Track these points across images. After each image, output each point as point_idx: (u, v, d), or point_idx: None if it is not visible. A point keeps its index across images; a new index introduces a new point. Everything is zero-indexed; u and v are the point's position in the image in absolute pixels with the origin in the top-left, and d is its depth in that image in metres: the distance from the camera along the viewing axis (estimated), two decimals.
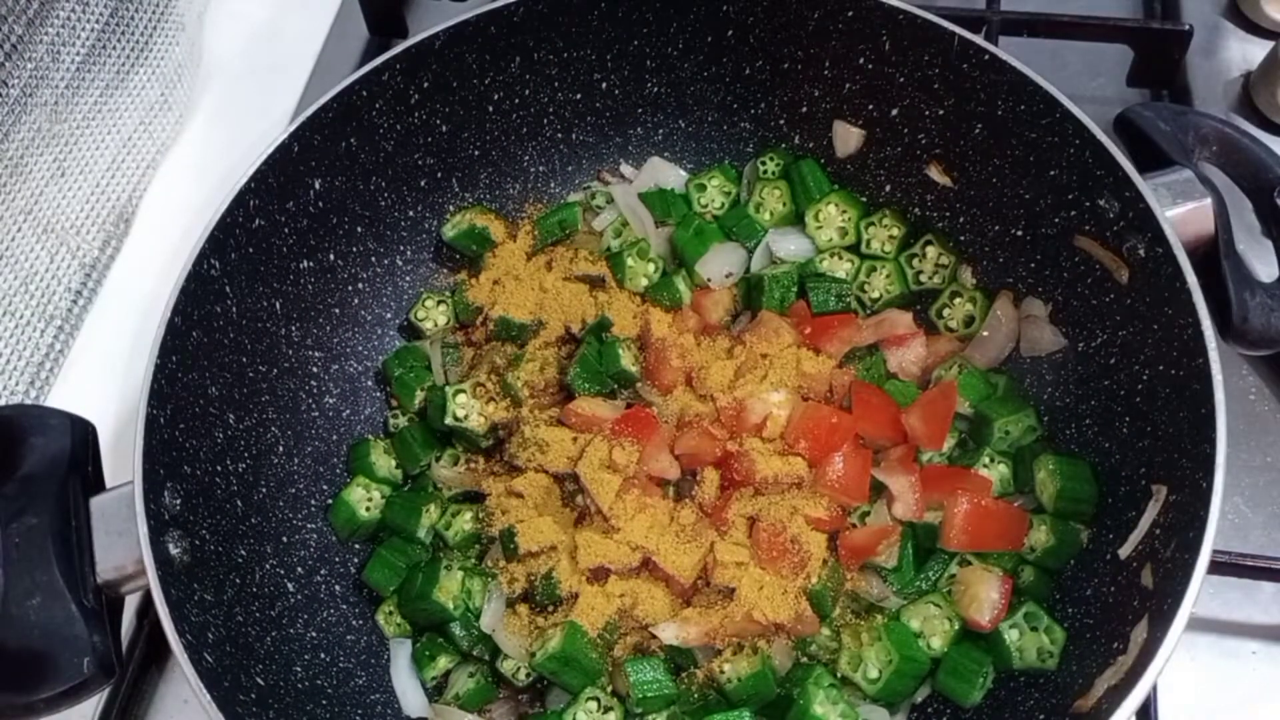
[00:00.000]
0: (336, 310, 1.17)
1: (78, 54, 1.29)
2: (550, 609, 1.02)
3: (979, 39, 1.04)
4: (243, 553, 0.99)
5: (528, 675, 1.02)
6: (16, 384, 1.24)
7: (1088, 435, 1.03)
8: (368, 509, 1.11)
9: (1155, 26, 1.40)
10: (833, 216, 1.20)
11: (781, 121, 1.23)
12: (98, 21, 1.32)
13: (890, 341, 1.12)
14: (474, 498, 1.11)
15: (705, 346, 1.12)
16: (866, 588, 1.02)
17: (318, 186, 1.09)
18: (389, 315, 1.23)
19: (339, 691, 1.01)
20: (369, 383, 1.21)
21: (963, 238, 1.16)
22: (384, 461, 1.14)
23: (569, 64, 1.19)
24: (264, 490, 1.05)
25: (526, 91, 1.20)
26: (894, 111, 1.15)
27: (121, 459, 0.88)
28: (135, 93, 1.39)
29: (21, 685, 0.80)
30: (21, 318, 1.25)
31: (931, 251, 1.17)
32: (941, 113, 1.11)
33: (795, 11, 1.13)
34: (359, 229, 1.16)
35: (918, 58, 1.09)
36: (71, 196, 1.32)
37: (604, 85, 1.22)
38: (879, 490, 1.04)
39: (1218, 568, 1.00)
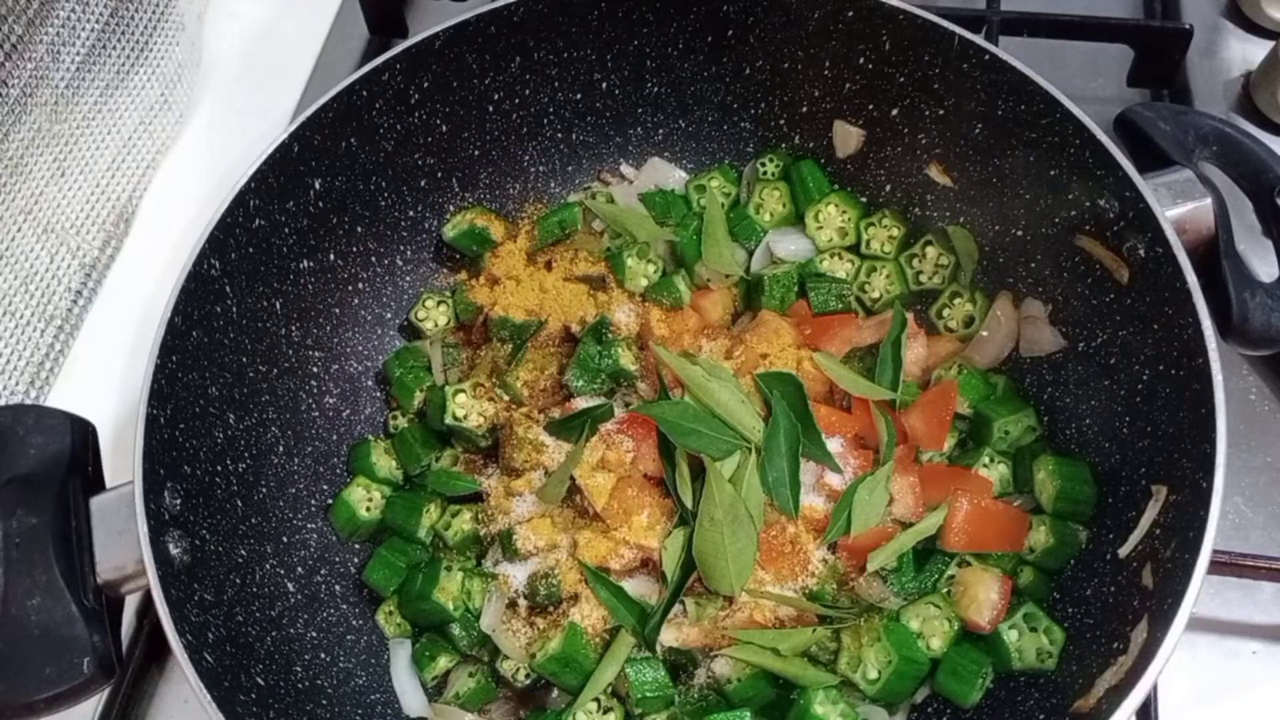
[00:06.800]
0: (336, 310, 1.17)
1: (78, 54, 1.29)
2: (550, 609, 1.02)
3: (979, 39, 1.04)
4: (243, 553, 0.99)
5: (527, 676, 1.02)
6: (16, 384, 1.24)
7: (1088, 435, 1.03)
8: (368, 509, 1.11)
9: (1155, 26, 1.40)
10: (833, 217, 1.20)
11: (781, 121, 1.23)
12: (98, 21, 1.32)
13: None
14: (474, 498, 1.11)
15: (705, 346, 1.12)
16: (866, 588, 1.01)
17: (318, 186, 1.09)
18: (389, 315, 1.23)
19: (339, 691, 1.01)
20: (369, 383, 1.21)
21: None
22: (384, 461, 1.14)
23: (569, 64, 1.19)
24: (264, 490, 1.05)
25: (526, 91, 1.20)
26: (894, 111, 1.15)
27: (121, 459, 0.88)
28: (135, 93, 1.39)
29: (21, 685, 0.80)
30: (21, 318, 1.25)
31: (931, 251, 1.17)
32: (941, 113, 1.11)
33: (795, 11, 1.13)
34: (359, 229, 1.16)
35: (918, 58, 1.09)
36: (71, 196, 1.32)
37: (604, 85, 1.22)
38: None
39: (1218, 568, 1.00)
